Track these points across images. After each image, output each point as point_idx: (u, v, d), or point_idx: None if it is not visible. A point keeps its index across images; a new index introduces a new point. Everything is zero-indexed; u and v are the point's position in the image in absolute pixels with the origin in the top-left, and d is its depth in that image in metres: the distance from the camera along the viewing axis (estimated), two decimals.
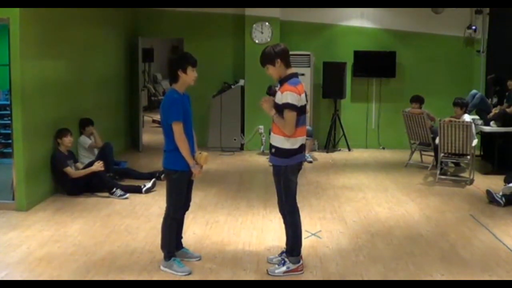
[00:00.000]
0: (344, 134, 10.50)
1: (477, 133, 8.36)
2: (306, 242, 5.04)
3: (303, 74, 9.56)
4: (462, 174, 8.32)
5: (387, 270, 4.60)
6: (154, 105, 16.59)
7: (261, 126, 10.23)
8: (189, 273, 4.46)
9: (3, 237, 5.30)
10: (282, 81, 4.35)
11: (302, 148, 4.44)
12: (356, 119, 10.81)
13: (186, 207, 4.70)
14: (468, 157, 7.81)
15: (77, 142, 7.53)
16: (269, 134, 4.71)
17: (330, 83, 10.27)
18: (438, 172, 7.97)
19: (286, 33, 10.22)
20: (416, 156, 9.27)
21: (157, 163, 7.83)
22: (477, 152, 9.15)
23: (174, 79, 4.48)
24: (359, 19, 10.66)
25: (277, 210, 4.60)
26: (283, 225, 4.63)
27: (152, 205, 6.49)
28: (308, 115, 8.41)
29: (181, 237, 4.83)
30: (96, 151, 7.66)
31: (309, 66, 10.07)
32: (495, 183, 7.46)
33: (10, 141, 6.39)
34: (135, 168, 8.20)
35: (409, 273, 4.55)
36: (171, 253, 4.56)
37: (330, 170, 8.78)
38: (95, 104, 8.50)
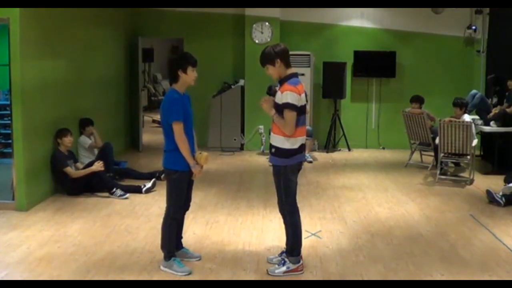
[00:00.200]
0: (344, 134, 10.50)
1: (477, 133, 8.36)
2: (306, 242, 5.04)
3: (303, 74, 9.56)
4: (462, 174, 8.32)
5: (387, 270, 4.60)
6: (154, 105, 16.59)
7: (261, 126, 10.23)
8: (189, 273, 4.46)
9: (3, 237, 5.30)
10: (282, 81, 4.35)
11: (302, 148, 4.44)
12: (356, 119, 10.81)
13: (186, 207, 4.71)
14: (468, 157, 7.81)
15: (77, 142, 7.53)
16: (269, 134, 4.71)
17: (330, 83, 10.27)
18: (438, 172, 7.97)
19: (286, 33, 10.22)
20: (416, 156, 9.27)
21: (157, 163, 7.83)
22: (477, 152, 9.15)
23: (174, 79, 4.48)
24: (359, 19, 10.66)
25: (277, 210, 4.60)
26: (283, 225, 4.63)
27: (152, 205, 6.49)
28: (308, 115, 8.43)
29: (181, 237, 4.83)
30: (96, 151, 7.66)
31: (309, 66, 10.06)
32: (495, 183, 7.46)
33: (10, 141, 6.39)
34: (135, 168, 8.20)
35: (409, 273, 4.55)
36: (171, 253, 4.56)
37: (330, 170, 8.79)
38: (95, 104, 8.50)
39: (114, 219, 5.94)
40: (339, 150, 10.59)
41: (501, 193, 6.67)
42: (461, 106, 8.05)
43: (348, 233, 5.58)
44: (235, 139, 10.31)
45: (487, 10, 10.16)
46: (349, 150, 10.56)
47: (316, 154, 10.13)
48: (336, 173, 8.58)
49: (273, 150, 4.41)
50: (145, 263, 4.69)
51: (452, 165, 8.82)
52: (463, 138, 7.62)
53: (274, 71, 4.36)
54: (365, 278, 4.43)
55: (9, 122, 6.38)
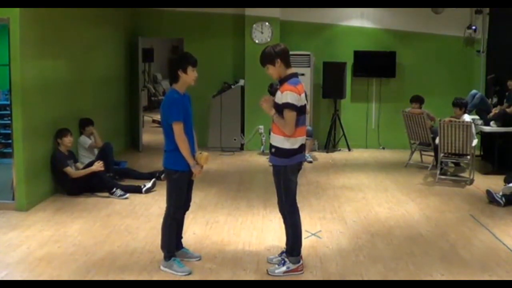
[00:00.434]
0: (344, 134, 10.50)
1: (477, 133, 8.36)
2: (306, 242, 5.05)
3: (303, 74, 9.56)
4: (462, 174, 8.32)
5: (387, 270, 4.60)
6: (154, 105, 16.59)
7: (261, 126, 10.23)
8: (189, 273, 4.46)
9: (3, 237, 5.30)
10: (282, 81, 4.35)
11: (302, 148, 4.44)
12: (356, 119, 10.81)
13: (186, 207, 4.71)
14: (468, 157, 7.81)
15: (77, 142, 7.53)
16: (269, 134, 4.72)
17: (330, 83, 10.27)
18: (438, 172, 7.97)
19: (286, 33, 10.22)
20: (416, 156, 9.27)
21: (157, 163, 7.83)
22: (477, 152, 9.15)
23: (174, 79, 4.48)
24: (359, 19, 10.66)
25: (277, 210, 4.60)
26: (283, 225, 4.63)
27: (152, 205, 6.49)
28: (308, 115, 8.42)
29: (181, 237, 4.83)
30: (96, 151, 7.66)
31: (309, 66, 10.06)
32: (495, 183, 7.46)
33: (10, 141, 6.39)
34: (135, 168, 8.20)
35: (409, 273, 4.55)
36: (171, 253, 4.56)
37: (330, 170, 8.79)
38: (95, 104, 8.50)
39: (114, 219, 5.94)
40: (339, 150, 10.59)
41: (501, 193, 6.67)
42: (461, 106, 8.05)
43: (348, 233, 5.58)
44: (235, 139, 10.32)
45: (487, 10, 10.16)
46: (349, 150, 10.56)
47: (316, 154, 10.13)
48: (336, 173, 8.58)
49: (273, 150, 4.41)
50: (145, 263, 4.68)
51: (452, 165, 8.82)
52: (463, 138, 7.62)
53: (274, 71, 4.36)
54: (365, 278, 4.43)
55: (9, 122, 6.38)
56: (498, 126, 8.34)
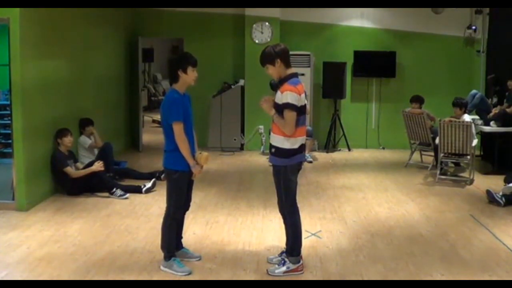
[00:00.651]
0: (344, 134, 10.50)
1: (477, 133, 8.36)
2: (306, 242, 5.04)
3: (303, 74, 9.56)
4: (462, 174, 8.32)
5: (387, 270, 4.60)
6: (154, 105, 16.59)
7: (261, 126, 10.23)
8: (189, 273, 4.46)
9: (3, 237, 5.30)
10: (282, 81, 4.35)
11: (302, 148, 4.44)
12: (356, 119, 10.81)
13: (186, 207, 4.71)
14: (468, 157, 7.81)
15: (77, 142, 7.53)
16: (269, 134, 4.72)
17: (330, 83, 10.27)
18: (438, 172, 7.97)
19: (286, 33, 10.22)
20: (416, 156, 9.27)
21: (157, 163, 7.83)
22: (477, 152, 9.15)
23: (174, 79, 4.48)
24: (359, 19, 10.66)
25: (277, 210, 4.60)
26: (283, 225, 4.63)
27: (152, 205, 6.49)
28: (308, 115, 8.41)
29: (181, 237, 4.83)
30: (96, 151, 7.66)
31: (309, 66, 10.06)
32: (495, 183, 7.46)
33: (10, 141, 6.39)
34: (135, 168, 8.20)
35: (409, 273, 4.55)
36: (171, 253, 4.56)
37: (330, 170, 8.78)
38: (95, 104, 8.50)
39: (114, 219, 5.94)
40: (339, 150, 10.59)
41: (501, 193, 6.67)
42: (461, 106, 8.05)
43: (348, 233, 5.58)
44: (235, 139, 10.32)
45: (487, 10, 10.16)
46: (349, 150, 10.56)
47: (316, 154, 10.13)
48: (336, 173, 8.58)
49: (273, 150, 4.41)
50: (145, 263, 4.68)
51: (452, 165, 8.82)
52: (463, 138, 7.62)
53: (274, 71, 4.36)
54: (365, 278, 4.43)
55: (9, 122, 6.38)
56: (498, 126, 8.34)
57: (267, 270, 4.51)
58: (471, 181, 7.82)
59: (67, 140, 6.90)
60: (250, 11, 10.16)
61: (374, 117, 10.87)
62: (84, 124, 7.68)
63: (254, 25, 10.20)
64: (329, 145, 10.52)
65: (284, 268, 4.47)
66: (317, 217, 6.09)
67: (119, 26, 9.95)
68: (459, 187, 7.65)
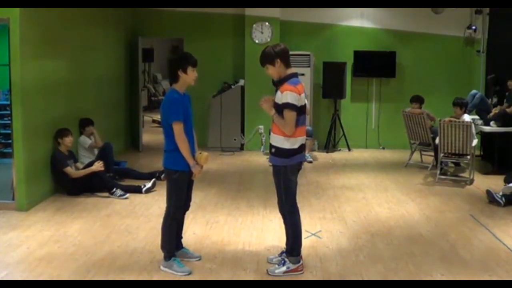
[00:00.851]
0: (344, 134, 10.50)
1: (477, 133, 8.36)
2: (306, 242, 5.04)
3: (303, 74, 9.56)
4: (462, 174, 8.32)
5: (387, 270, 4.60)
6: (154, 105, 16.59)
7: (261, 126, 10.24)
8: (189, 273, 4.46)
9: (3, 237, 5.30)
10: (282, 81, 4.35)
11: (302, 148, 4.44)
12: (356, 119, 10.81)
13: (186, 207, 4.71)
14: (468, 157, 7.81)
15: (77, 142, 7.53)
16: (269, 134, 4.72)
17: (330, 83, 10.26)
18: (438, 172, 7.97)
19: (286, 33, 10.22)
20: (416, 156, 9.27)
21: (157, 163, 7.83)
22: (477, 152, 9.15)
23: (174, 79, 4.48)
24: (359, 19, 10.66)
25: (277, 210, 4.60)
26: (283, 225, 4.63)
27: (152, 205, 6.49)
28: (308, 116, 8.40)
29: (181, 237, 4.83)
30: (96, 151, 7.66)
31: (309, 66, 10.06)
32: (495, 183, 7.46)
33: (10, 141, 6.39)
34: (135, 168, 8.19)
35: (409, 273, 4.55)
36: (171, 253, 4.56)
37: (330, 170, 8.79)
38: (95, 104, 8.50)
39: (114, 219, 5.94)
40: (339, 150, 10.59)
41: (501, 193, 6.67)
42: (461, 105, 8.06)
43: (348, 233, 5.58)
44: (235, 139, 10.32)
45: (487, 10, 10.16)
46: (349, 150, 10.56)
47: (316, 154, 10.13)
48: (336, 173, 8.58)
49: (273, 150, 4.41)
50: (145, 263, 4.69)
51: (452, 165, 8.82)
52: (463, 138, 7.62)
53: (274, 71, 4.36)
54: (365, 278, 4.43)
55: (9, 122, 6.38)
56: (498, 126, 8.34)
57: (267, 270, 4.51)
58: (471, 181, 7.82)
59: (68, 140, 6.90)
60: (250, 11, 10.16)
61: (374, 117, 10.87)
62: (84, 124, 7.68)
63: (254, 25, 10.20)
64: (329, 145, 10.52)
65: (284, 268, 4.47)
66: (317, 217, 6.09)
67: (119, 26, 9.95)
68: (459, 187, 7.65)
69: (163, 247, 4.58)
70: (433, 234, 5.57)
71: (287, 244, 4.61)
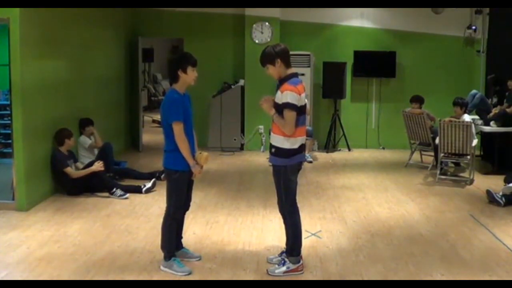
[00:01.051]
0: (344, 134, 10.50)
1: (477, 133, 8.36)
2: (306, 242, 5.04)
3: (303, 74, 9.56)
4: (462, 174, 8.32)
5: (387, 270, 4.60)
6: (154, 105, 16.60)
7: (261, 126, 10.24)
8: (189, 273, 4.46)
9: (3, 237, 5.30)
10: (282, 81, 4.35)
11: (302, 148, 4.44)
12: (356, 119, 10.81)
13: (186, 207, 4.71)
14: (468, 157, 7.81)
15: (77, 142, 7.53)
16: (269, 134, 4.72)
17: (330, 83, 10.27)
18: (438, 172, 7.97)
19: (286, 33, 10.22)
20: (416, 156, 9.27)
21: (157, 163, 7.83)
22: (477, 152, 9.15)
23: (174, 79, 4.48)
24: (359, 19, 10.66)
25: (277, 210, 4.60)
26: (283, 225, 4.63)
27: (152, 205, 6.49)
28: (308, 116, 8.41)
29: (181, 237, 4.83)
30: (96, 151, 7.66)
31: (309, 66, 10.06)
32: (495, 183, 7.46)
33: (10, 141, 6.39)
34: (135, 168, 8.19)
35: (409, 273, 4.55)
36: (171, 253, 4.56)
37: (330, 170, 8.79)
38: (95, 104, 8.50)
39: (114, 219, 5.94)
40: (339, 150, 10.59)
41: (501, 193, 6.67)
42: (461, 105, 8.06)
43: (348, 233, 5.58)
44: (235, 139, 10.32)
45: (487, 10, 10.16)
46: (349, 150, 10.56)
47: (316, 154, 10.13)
48: (336, 173, 8.58)
49: (273, 150, 4.41)
50: (145, 263, 4.68)
51: (452, 165, 8.82)
52: (463, 138, 7.62)
53: (274, 71, 4.36)
54: (365, 278, 4.43)
55: (9, 122, 6.38)
56: (498, 126, 8.34)
57: (267, 270, 4.51)
58: (471, 181, 7.82)
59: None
60: (250, 11, 10.16)
61: (374, 117, 10.87)
62: (84, 124, 7.68)
63: (254, 25, 10.20)
64: (329, 145, 10.52)
65: (284, 268, 4.47)
66: (317, 217, 6.09)
67: (119, 26, 9.95)
68: (459, 187, 7.65)
69: (163, 247, 4.58)
70: (433, 234, 5.57)
71: (287, 244, 4.61)
